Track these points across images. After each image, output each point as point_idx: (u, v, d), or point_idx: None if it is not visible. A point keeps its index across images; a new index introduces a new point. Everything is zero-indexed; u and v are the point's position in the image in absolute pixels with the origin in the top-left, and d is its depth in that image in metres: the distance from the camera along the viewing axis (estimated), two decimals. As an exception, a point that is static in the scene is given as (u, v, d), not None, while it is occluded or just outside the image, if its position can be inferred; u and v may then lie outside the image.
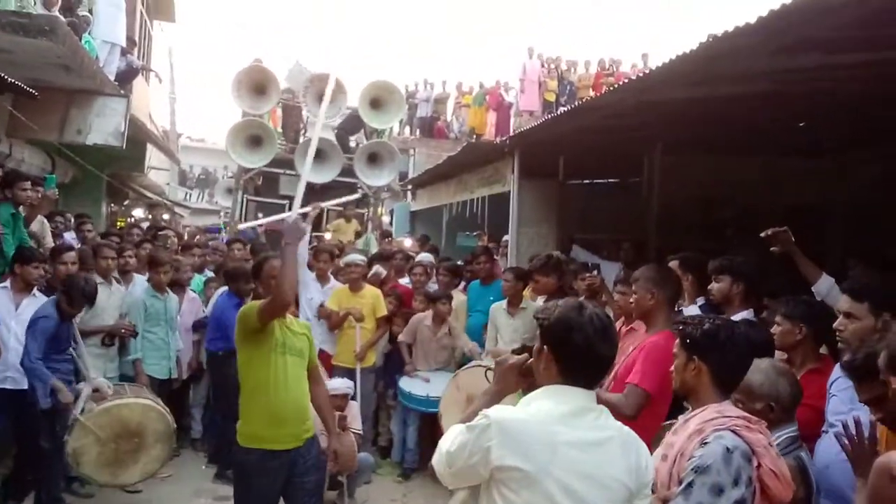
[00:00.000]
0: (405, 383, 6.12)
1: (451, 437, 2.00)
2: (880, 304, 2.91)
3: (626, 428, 2.05)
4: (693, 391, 2.42)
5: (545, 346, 2.04)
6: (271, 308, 3.52)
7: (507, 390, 2.22)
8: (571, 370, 1.99)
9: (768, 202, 6.71)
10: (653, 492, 2.36)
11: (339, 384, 5.37)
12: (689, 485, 2.19)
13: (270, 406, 3.57)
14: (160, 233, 8.97)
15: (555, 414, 1.95)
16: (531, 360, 2.14)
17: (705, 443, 2.23)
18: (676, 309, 4.19)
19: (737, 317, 3.56)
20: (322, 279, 6.74)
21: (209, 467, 6.10)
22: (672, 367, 2.48)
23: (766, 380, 2.72)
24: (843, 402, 2.82)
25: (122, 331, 5.59)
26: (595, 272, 5.21)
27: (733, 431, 2.24)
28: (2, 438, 4.36)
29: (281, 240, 3.67)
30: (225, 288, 6.33)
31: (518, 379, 2.20)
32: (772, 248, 3.89)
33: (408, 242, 11.00)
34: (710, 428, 2.26)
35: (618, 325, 3.87)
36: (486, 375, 2.37)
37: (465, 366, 5.59)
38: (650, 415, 3.26)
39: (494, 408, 1.99)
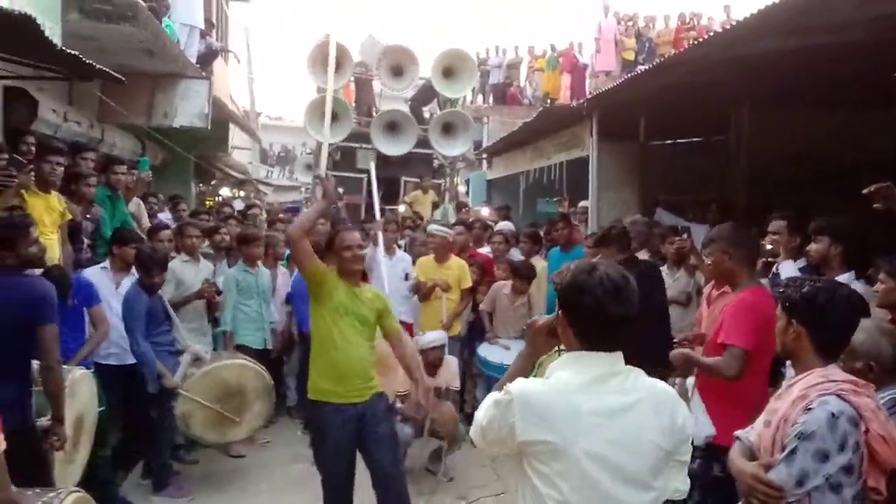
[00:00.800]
0: (483, 350, 6.15)
1: (484, 409, 2.01)
2: None
3: (661, 386, 2.00)
4: (795, 355, 2.35)
5: (560, 311, 2.01)
6: (293, 251, 3.98)
7: (538, 352, 2.20)
8: (584, 333, 1.96)
9: (860, 156, 6.32)
10: (755, 458, 2.32)
11: (433, 336, 5.41)
12: (793, 451, 2.15)
13: (332, 362, 3.77)
14: (249, 211, 9.21)
15: (575, 383, 1.92)
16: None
17: (809, 409, 2.17)
18: (775, 270, 4.05)
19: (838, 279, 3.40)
20: (389, 251, 6.76)
21: (305, 433, 6.30)
22: (776, 328, 2.41)
23: (867, 339, 2.62)
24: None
25: (206, 294, 5.69)
26: (685, 235, 5.07)
27: (839, 396, 2.17)
28: (109, 412, 4.62)
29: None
30: None
31: (547, 340, 2.15)
32: (875, 205, 3.68)
33: (485, 212, 10.97)
34: (814, 393, 2.20)
35: (707, 289, 3.78)
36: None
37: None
38: (751, 372, 3.20)
39: (517, 381, 1.97)
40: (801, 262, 4.02)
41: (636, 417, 1.91)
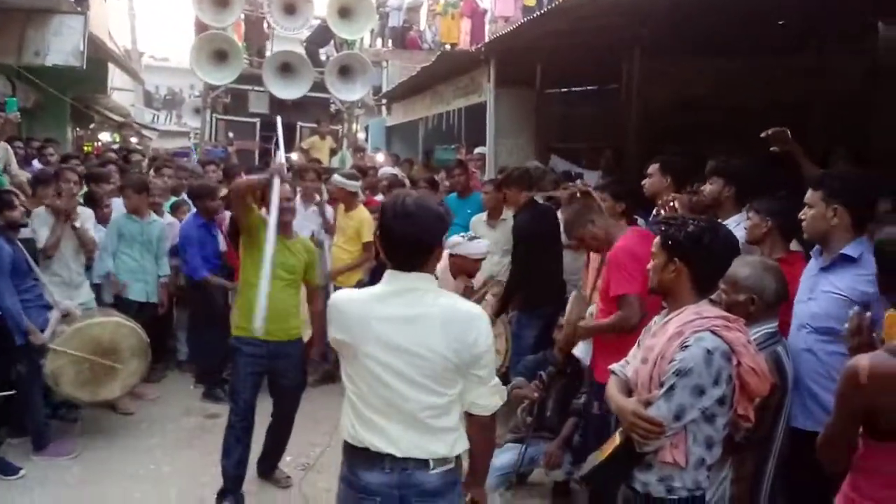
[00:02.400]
0: None
1: None
2: (834, 193, 2.91)
3: (460, 306, 2.24)
4: (671, 292, 2.40)
5: None
6: (234, 205, 4.25)
7: None
8: (384, 252, 2.24)
9: (750, 102, 6.59)
10: (632, 393, 2.40)
11: (482, 246, 4.56)
12: (671, 387, 2.22)
13: (250, 302, 3.90)
14: (129, 156, 8.71)
15: (376, 293, 2.24)
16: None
17: (686, 346, 2.23)
18: (655, 212, 4.19)
19: (729, 221, 3.57)
20: (307, 199, 6.46)
21: (197, 387, 6.14)
22: (649, 266, 2.46)
23: (752, 273, 2.76)
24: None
25: (58, 203, 5.16)
26: (578, 181, 5.17)
27: (713, 332, 2.24)
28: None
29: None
30: (194, 210, 6.22)
31: None
32: (771, 149, 3.84)
33: (380, 157, 10.80)
34: (689, 330, 2.26)
35: None
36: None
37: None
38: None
39: (339, 292, 2.39)
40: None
41: (423, 329, 2.15)
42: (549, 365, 4.29)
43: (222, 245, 6.11)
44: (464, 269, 4.44)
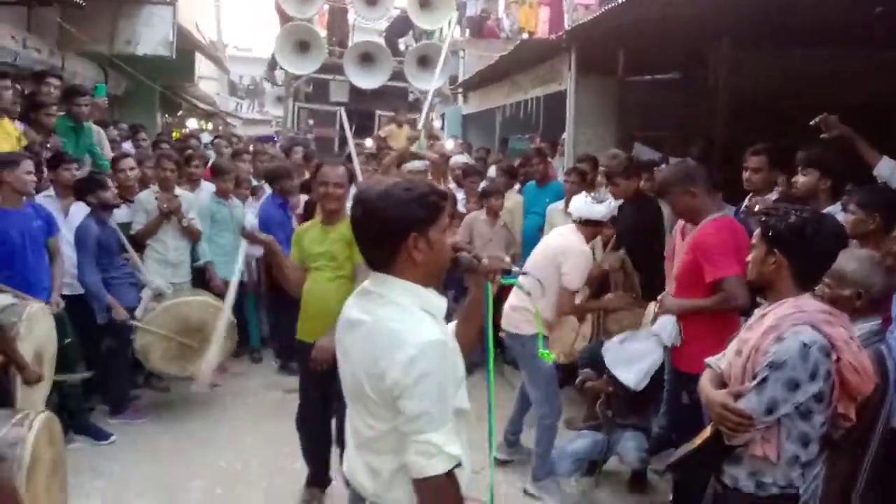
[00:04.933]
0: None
1: None
2: None
3: (391, 325, 1.80)
4: (771, 285, 2.34)
5: None
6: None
7: None
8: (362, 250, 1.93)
9: (845, 97, 6.30)
10: (725, 386, 2.35)
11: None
12: (764, 380, 2.17)
13: (303, 301, 3.87)
14: (215, 141, 9.00)
15: (357, 291, 1.99)
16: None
17: (781, 338, 2.17)
18: (746, 203, 4.06)
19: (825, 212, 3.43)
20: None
21: (277, 362, 6.32)
22: (749, 258, 2.39)
23: (859, 268, 2.64)
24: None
25: (164, 206, 5.44)
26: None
27: (812, 325, 2.18)
28: (72, 345, 4.56)
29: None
30: (270, 192, 6.38)
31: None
32: (821, 135, 3.70)
33: (449, 145, 10.80)
34: (786, 323, 2.20)
35: (680, 223, 3.79)
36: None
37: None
38: None
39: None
40: (775, 195, 4.03)
41: (356, 338, 1.88)
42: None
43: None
44: (591, 235, 4.29)
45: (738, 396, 2.23)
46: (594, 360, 4.31)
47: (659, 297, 3.75)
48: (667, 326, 3.56)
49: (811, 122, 3.75)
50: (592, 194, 4.26)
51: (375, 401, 1.79)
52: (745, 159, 4.26)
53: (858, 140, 3.68)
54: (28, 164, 4.32)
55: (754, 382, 2.20)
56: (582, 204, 4.15)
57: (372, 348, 1.80)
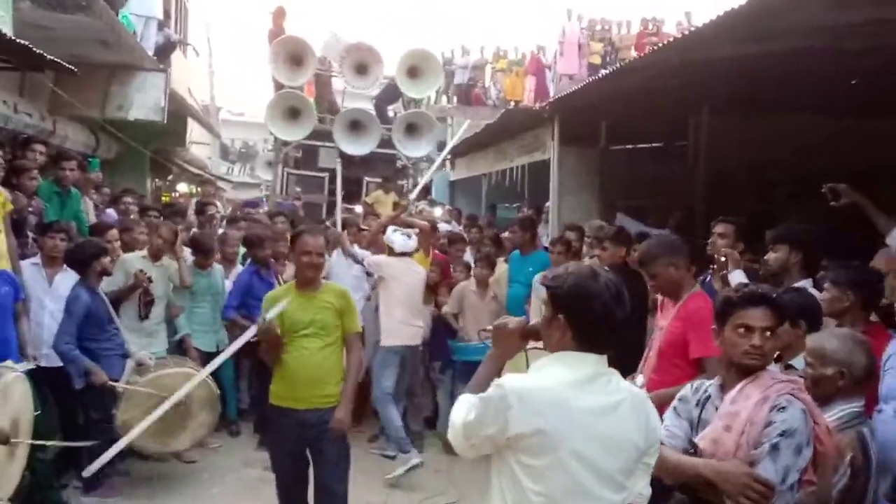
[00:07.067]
0: (460, 342, 6.04)
1: (465, 409, 2.00)
2: None
3: (637, 389, 2.12)
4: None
5: (560, 314, 2.01)
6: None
7: (507, 354, 2.24)
8: (587, 336, 1.99)
9: (823, 165, 6.42)
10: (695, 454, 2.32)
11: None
12: (776, 447, 2.20)
13: (283, 365, 3.83)
14: (205, 209, 9.00)
15: (567, 380, 1.95)
16: (531, 324, 2.19)
17: (783, 408, 2.23)
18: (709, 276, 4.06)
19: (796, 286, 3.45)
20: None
21: (256, 437, 6.18)
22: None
23: (841, 346, 2.64)
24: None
25: (139, 283, 5.40)
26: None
27: (791, 394, 2.27)
28: (45, 415, 4.44)
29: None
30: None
31: (519, 343, 2.22)
32: (831, 203, 3.73)
33: (437, 212, 10.87)
34: (773, 393, 2.26)
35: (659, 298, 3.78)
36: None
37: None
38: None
39: (507, 377, 2.00)
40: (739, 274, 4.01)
41: (619, 418, 1.96)
42: None
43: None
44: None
45: (751, 464, 2.23)
46: None
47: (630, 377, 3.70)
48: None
49: (822, 189, 3.78)
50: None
51: (638, 458, 2.00)
52: (712, 226, 4.29)
53: (869, 207, 3.71)
54: None
55: (766, 449, 2.21)
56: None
57: (643, 412, 2.03)
